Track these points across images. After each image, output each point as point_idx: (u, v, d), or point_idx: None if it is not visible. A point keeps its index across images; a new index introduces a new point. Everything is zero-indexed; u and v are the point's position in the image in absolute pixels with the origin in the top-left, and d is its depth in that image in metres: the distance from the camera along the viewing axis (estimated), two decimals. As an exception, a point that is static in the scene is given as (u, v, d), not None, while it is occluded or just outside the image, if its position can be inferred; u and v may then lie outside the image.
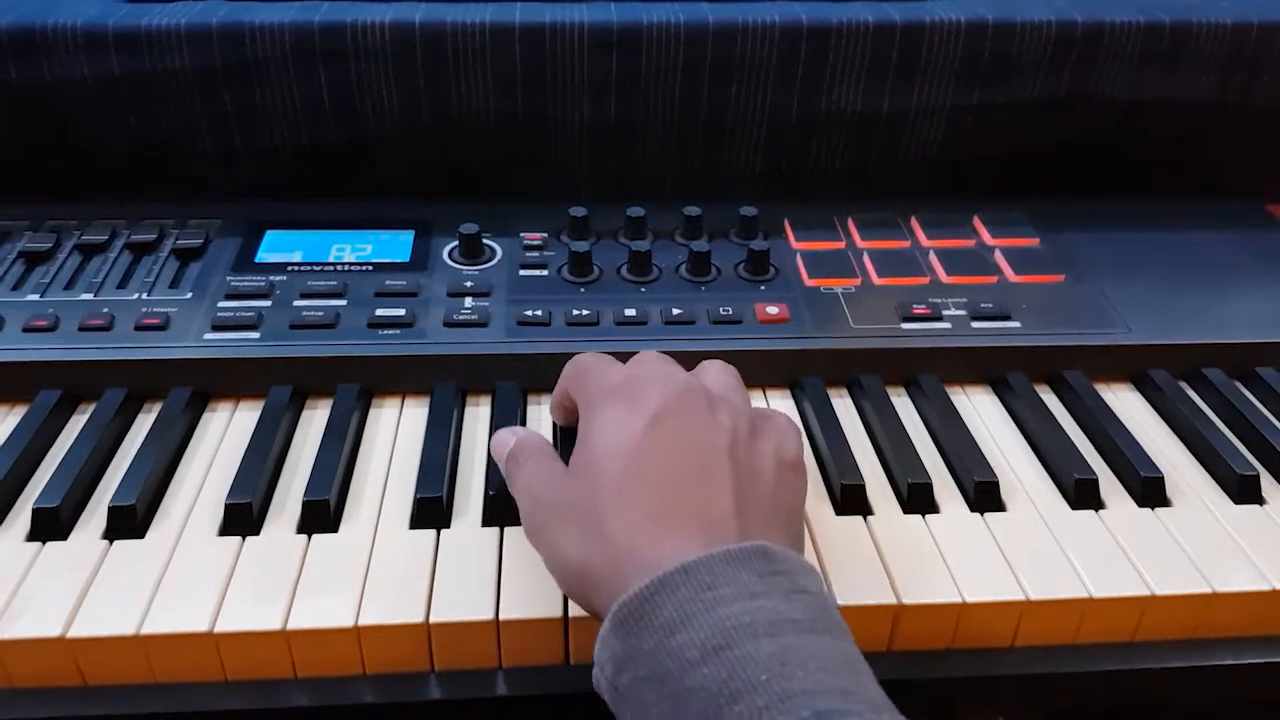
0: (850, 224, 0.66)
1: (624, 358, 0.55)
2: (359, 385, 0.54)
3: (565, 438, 0.50)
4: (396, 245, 0.63)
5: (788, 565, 0.36)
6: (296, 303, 0.58)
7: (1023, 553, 0.46)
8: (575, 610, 0.42)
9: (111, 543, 0.45)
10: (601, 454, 0.40)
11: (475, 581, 0.44)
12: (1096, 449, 0.53)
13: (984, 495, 0.49)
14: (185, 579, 0.43)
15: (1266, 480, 0.51)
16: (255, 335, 0.55)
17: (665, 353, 0.46)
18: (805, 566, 0.37)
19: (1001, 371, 0.57)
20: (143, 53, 0.63)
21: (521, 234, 0.64)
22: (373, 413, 0.54)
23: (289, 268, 0.61)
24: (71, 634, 0.41)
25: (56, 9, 0.63)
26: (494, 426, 0.52)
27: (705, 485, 0.39)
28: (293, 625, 0.41)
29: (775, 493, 0.40)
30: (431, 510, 0.47)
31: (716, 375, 0.46)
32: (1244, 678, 0.45)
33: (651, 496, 0.38)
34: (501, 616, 0.42)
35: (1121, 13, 0.67)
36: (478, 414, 0.54)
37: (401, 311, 0.57)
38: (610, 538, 0.37)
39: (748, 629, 0.33)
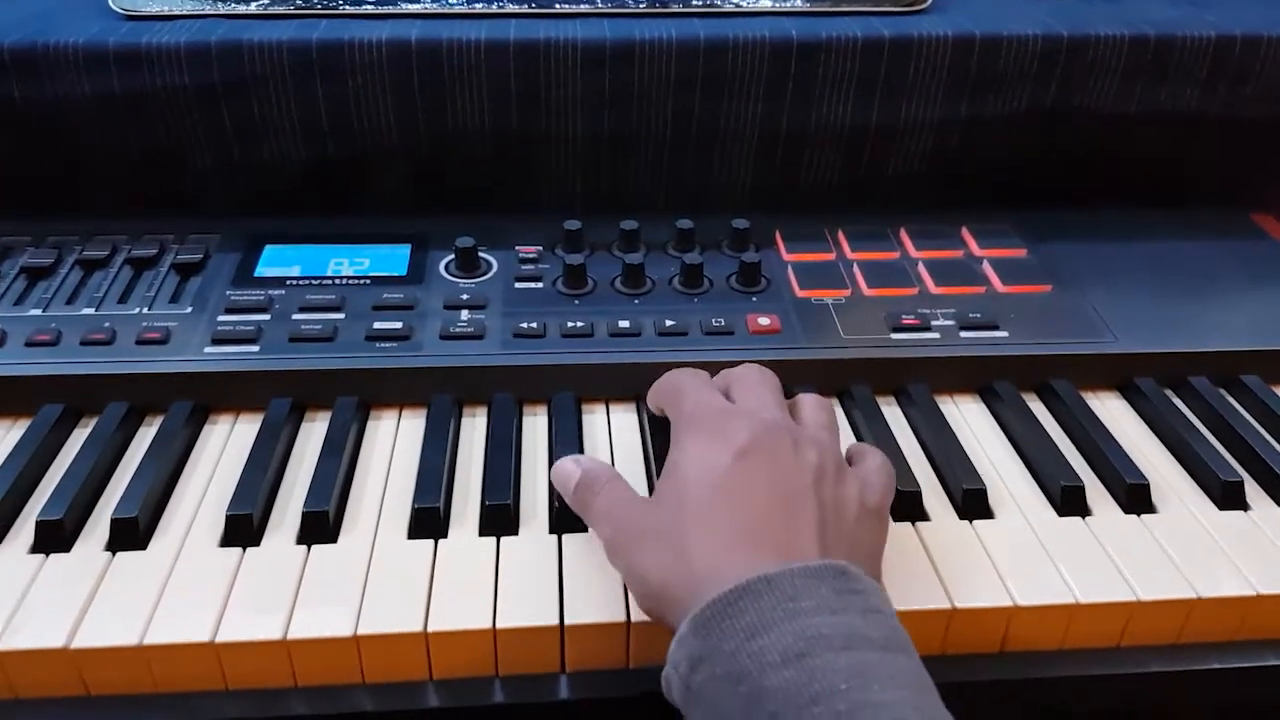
0: (840, 235, 0.67)
1: (624, 370, 0.56)
2: (357, 397, 0.55)
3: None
4: (394, 259, 0.64)
5: (864, 585, 0.38)
6: (295, 316, 0.58)
7: (1010, 559, 0.47)
8: (571, 619, 0.43)
9: (114, 554, 0.46)
10: (688, 481, 0.42)
11: (472, 591, 0.44)
12: (1083, 456, 0.54)
13: (972, 503, 0.50)
14: (187, 590, 0.44)
15: (1251, 486, 0.52)
16: (255, 349, 0.56)
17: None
18: (880, 589, 0.39)
19: (989, 381, 0.58)
20: (143, 70, 0.64)
21: (517, 247, 0.65)
22: (371, 424, 0.55)
23: (288, 282, 0.61)
24: (75, 645, 0.42)
25: (57, 28, 0.64)
26: (491, 437, 0.53)
27: (789, 519, 0.40)
28: (293, 635, 0.42)
29: (856, 532, 0.42)
30: (429, 520, 0.48)
31: (810, 412, 0.47)
32: (1228, 682, 0.46)
33: (735, 524, 0.40)
34: (498, 625, 0.43)
35: (1106, 26, 0.68)
36: (474, 424, 0.55)
37: (399, 324, 0.58)
38: (691, 560, 0.39)
39: (827, 640, 0.35)
